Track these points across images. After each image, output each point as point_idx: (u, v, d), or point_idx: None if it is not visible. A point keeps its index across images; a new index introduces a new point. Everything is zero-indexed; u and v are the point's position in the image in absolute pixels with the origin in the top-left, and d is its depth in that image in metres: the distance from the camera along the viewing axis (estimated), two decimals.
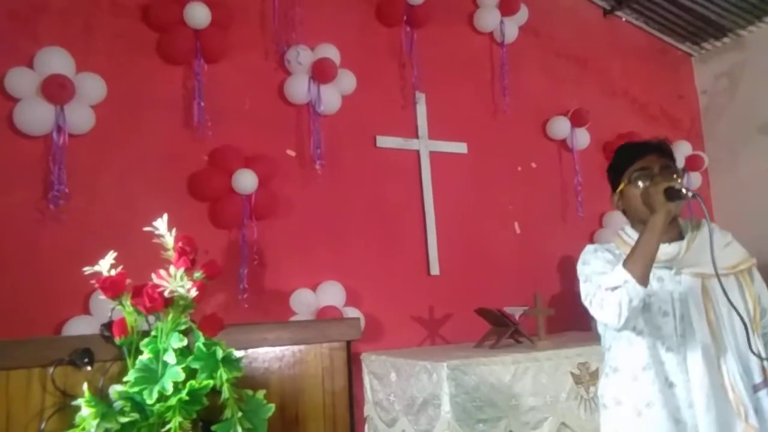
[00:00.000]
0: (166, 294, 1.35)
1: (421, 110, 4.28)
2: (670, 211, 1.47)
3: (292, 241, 3.72)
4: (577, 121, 4.72)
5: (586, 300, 1.53)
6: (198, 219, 3.44)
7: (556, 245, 4.50)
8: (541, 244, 4.47)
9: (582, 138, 4.78)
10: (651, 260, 1.43)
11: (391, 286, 3.93)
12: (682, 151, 5.22)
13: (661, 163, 1.60)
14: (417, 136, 4.24)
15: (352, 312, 3.60)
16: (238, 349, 1.41)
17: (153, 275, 1.38)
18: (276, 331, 1.57)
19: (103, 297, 1.41)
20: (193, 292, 1.36)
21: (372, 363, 3.38)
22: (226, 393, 1.31)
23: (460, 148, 4.37)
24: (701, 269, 1.52)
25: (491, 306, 3.46)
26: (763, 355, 1.50)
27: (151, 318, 1.40)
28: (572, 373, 3.05)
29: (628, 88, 5.27)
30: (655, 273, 1.48)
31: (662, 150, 1.64)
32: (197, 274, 1.41)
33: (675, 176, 1.56)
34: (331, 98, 3.84)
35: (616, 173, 1.66)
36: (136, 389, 1.29)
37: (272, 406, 1.36)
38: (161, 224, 1.42)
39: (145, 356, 1.34)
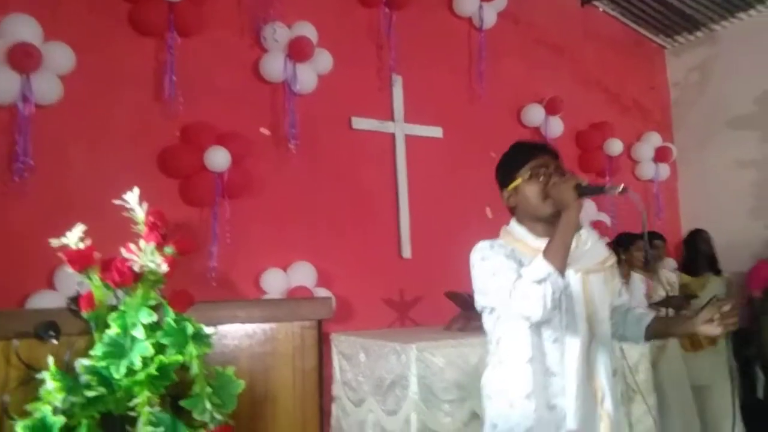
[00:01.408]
0: (135, 269, 1.33)
1: (398, 93, 4.27)
2: (581, 206, 1.54)
3: (264, 220, 3.69)
4: (551, 109, 4.76)
5: (500, 292, 1.53)
6: (168, 196, 3.38)
7: None
8: None
9: (555, 126, 4.83)
10: (568, 253, 1.50)
11: (362, 267, 3.94)
12: (651, 142, 5.32)
13: (554, 164, 1.66)
14: (393, 119, 4.23)
15: (323, 293, 3.60)
16: (208, 325, 1.40)
17: (122, 249, 1.35)
18: (247, 308, 1.57)
19: (69, 270, 1.38)
20: (164, 268, 1.34)
21: (341, 343, 3.39)
22: (195, 369, 1.31)
23: (436, 132, 4.38)
24: (583, 265, 1.60)
25: (461, 290, 3.49)
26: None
27: (120, 293, 1.38)
28: None
29: (602, 77, 5.33)
30: None
31: (553, 153, 1.72)
32: (168, 250, 1.39)
33: (571, 174, 1.64)
34: (307, 77, 3.80)
35: (509, 170, 1.70)
36: (103, 363, 1.27)
37: (242, 383, 1.35)
38: (132, 198, 1.40)
39: (113, 331, 1.32)
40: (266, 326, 1.55)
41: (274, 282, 3.55)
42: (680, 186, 5.60)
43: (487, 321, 1.70)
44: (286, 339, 1.56)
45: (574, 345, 1.56)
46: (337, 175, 3.98)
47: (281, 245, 3.70)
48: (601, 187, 1.56)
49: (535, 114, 4.76)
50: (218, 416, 1.29)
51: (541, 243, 1.56)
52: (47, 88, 3.06)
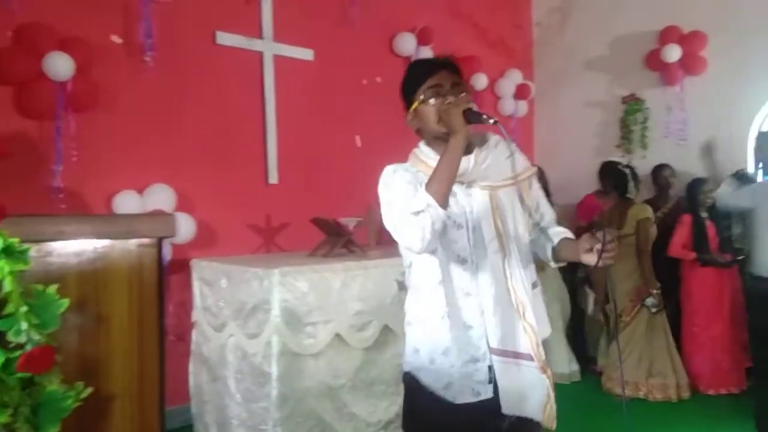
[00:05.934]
0: None
1: (267, 8, 4.04)
2: (468, 133, 1.52)
3: (116, 137, 3.43)
4: (423, 39, 4.78)
5: (389, 224, 1.54)
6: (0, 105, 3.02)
7: (394, 160, 4.61)
8: (379, 159, 4.51)
9: (426, 57, 4.87)
10: (452, 182, 1.48)
11: (227, 192, 3.82)
12: (513, 79, 5.55)
13: (452, 80, 1.61)
14: (261, 37, 4.03)
15: (182, 218, 3.44)
16: (29, 241, 1.27)
17: None
18: (75, 223, 1.44)
19: None
20: None
21: (203, 269, 3.30)
22: (8, 286, 1.19)
23: (306, 54, 4.25)
24: (490, 182, 1.59)
25: (328, 216, 3.51)
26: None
27: None
28: (398, 281, 3.22)
29: (473, 12, 5.39)
30: None
31: (452, 67, 1.64)
32: None
33: (466, 93, 1.61)
34: None
35: (409, 91, 1.66)
36: None
37: (65, 301, 1.26)
38: None
39: None
40: (97, 243, 1.44)
41: (128, 205, 3.33)
42: (536, 122, 5.93)
43: (400, 247, 1.66)
44: (122, 257, 1.46)
45: (484, 263, 1.55)
46: (199, 93, 3.75)
47: (136, 166, 3.46)
48: (482, 114, 1.52)
49: (406, 43, 4.75)
50: (36, 336, 1.20)
51: None
52: None
